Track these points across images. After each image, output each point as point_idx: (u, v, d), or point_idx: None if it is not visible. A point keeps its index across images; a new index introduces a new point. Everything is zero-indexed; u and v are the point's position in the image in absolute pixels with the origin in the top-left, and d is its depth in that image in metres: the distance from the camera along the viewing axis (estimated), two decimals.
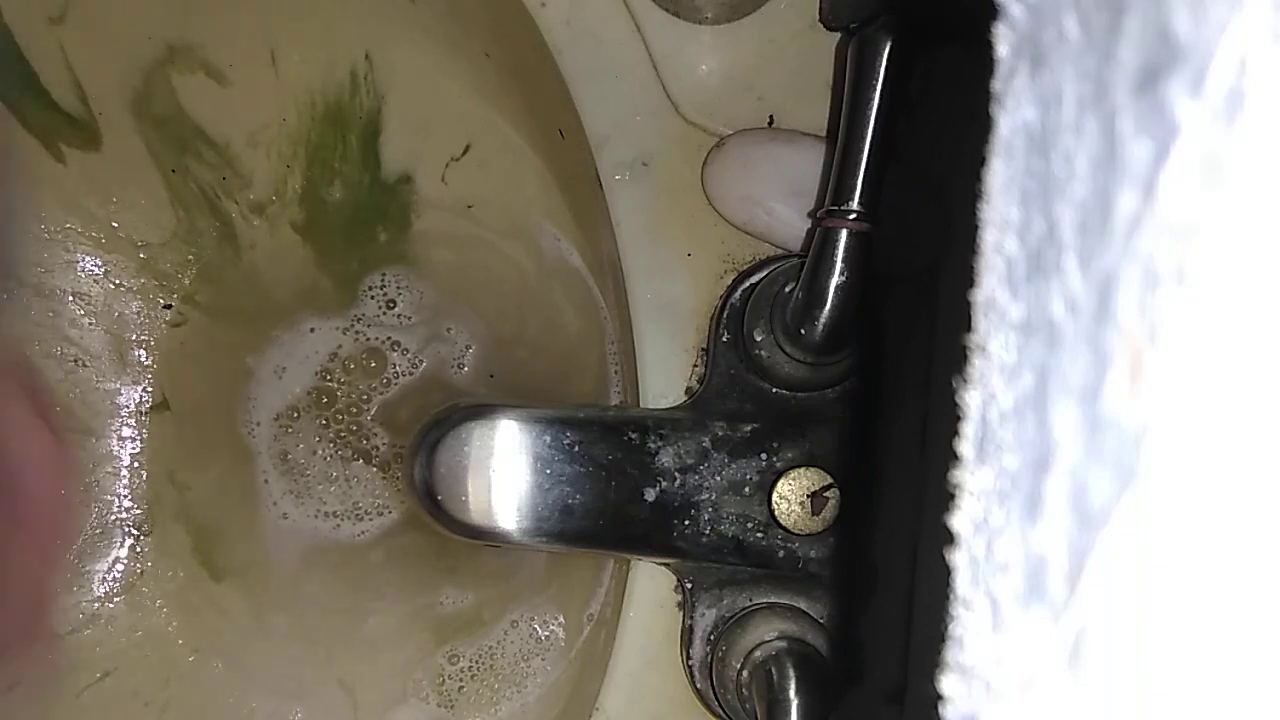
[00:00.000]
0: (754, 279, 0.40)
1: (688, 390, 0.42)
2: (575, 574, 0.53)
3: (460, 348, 0.55)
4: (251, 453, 0.55)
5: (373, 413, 0.55)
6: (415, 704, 0.53)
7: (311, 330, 0.55)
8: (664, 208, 0.42)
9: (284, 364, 0.55)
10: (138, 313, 0.54)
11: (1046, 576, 0.12)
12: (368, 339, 0.55)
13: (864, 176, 0.34)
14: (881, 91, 0.34)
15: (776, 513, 0.38)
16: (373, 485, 0.55)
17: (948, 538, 0.15)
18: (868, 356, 0.39)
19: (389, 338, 0.55)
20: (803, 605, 0.40)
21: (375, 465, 0.55)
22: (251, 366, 0.55)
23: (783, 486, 0.38)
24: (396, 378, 0.55)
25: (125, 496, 0.55)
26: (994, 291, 0.14)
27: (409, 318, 0.55)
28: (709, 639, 0.41)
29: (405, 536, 0.55)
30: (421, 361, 0.55)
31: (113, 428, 0.54)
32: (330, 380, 0.55)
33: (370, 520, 0.55)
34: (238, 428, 0.55)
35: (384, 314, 0.55)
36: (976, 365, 0.15)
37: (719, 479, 0.39)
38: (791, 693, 0.36)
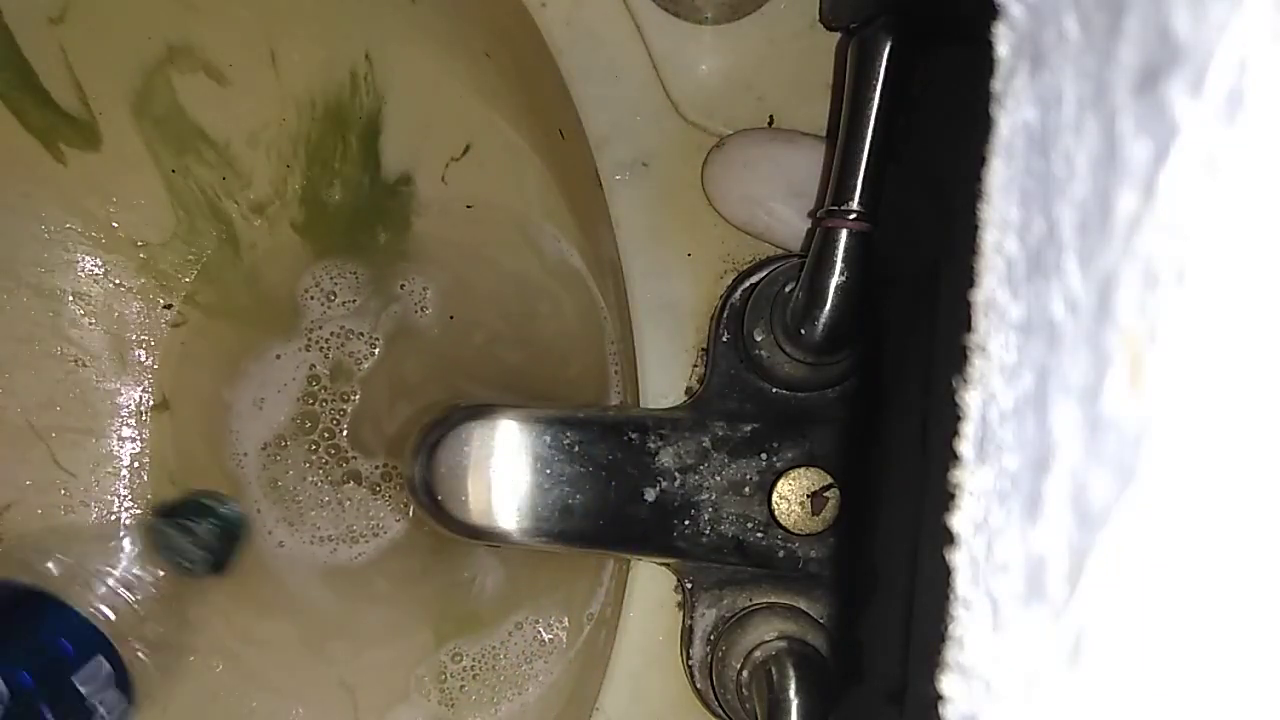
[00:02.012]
0: (754, 279, 0.40)
1: (688, 390, 0.42)
2: (576, 574, 0.53)
3: None
4: (241, 484, 0.55)
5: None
6: (417, 700, 0.53)
7: (277, 357, 0.55)
8: (664, 208, 0.42)
9: (261, 395, 0.55)
10: (138, 313, 0.54)
11: (1046, 576, 0.12)
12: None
13: (864, 176, 0.34)
14: (881, 91, 0.34)
15: (776, 513, 0.38)
16: (365, 506, 0.55)
17: (948, 538, 0.15)
18: (868, 356, 0.39)
19: None
20: (803, 605, 0.40)
21: (365, 487, 0.55)
22: (228, 400, 0.55)
23: (783, 486, 0.38)
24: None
25: (125, 496, 0.55)
26: (994, 291, 0.14)
27: None
28: (709, 639, 0.41)
29: (402, 552, 0.55)
30: None
31: (113, 428, 0.54)
32: (314, 404, 0.55)
33: (366, 542, 0.55)
34: (225, 461, 0.55)
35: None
36: (976, 365, 0.15)
37: (719, 479, 0.39)
38: (791, 693, 0.36)
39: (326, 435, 0.55)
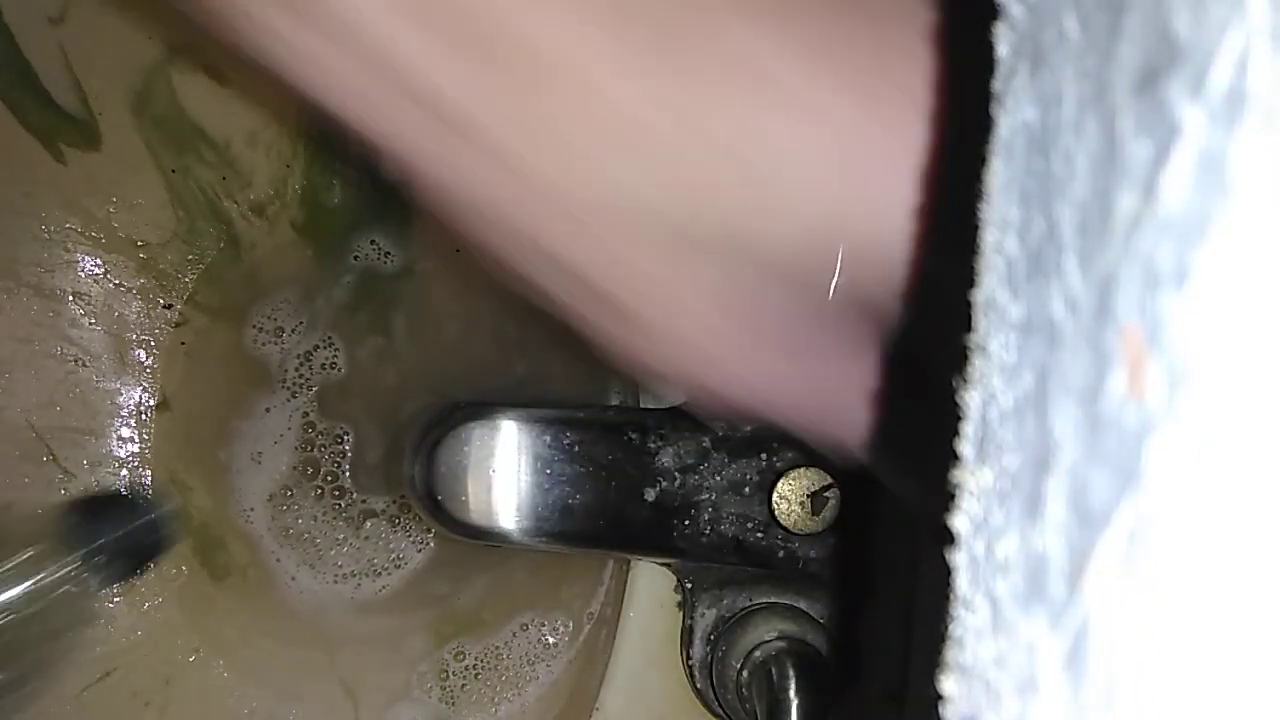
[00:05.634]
0: None
1: None
2: (576, 574, 0.53)
3: None
4: (254, 537, 0.55)
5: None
6: (418, 697, 0.53)
7: (267, 410, 0.55)
8: None
9: (258, 449, 0.55)
10: (138, 313, 0.54)
11: (1046, 576, 0.12)
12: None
13: None
14: None
15: (776, 513, 0.38)
16: (386, 539, 0.55)
17: (948, 538, 0.15)
18: None
19: None
20: (803, 605, 0.40)
21: (384, 519, 0.55)
22: (224, 460, 0.55)
23: (783, 486, 0.38)
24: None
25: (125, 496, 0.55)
26: (994, 291, 0.14)
27: None
28: (709, 639, 0.41)
29: (428, 576, 0.55)
30: None
31: (113, 428, 0.54)
32: (313, 450, 0.55)
33: (390, 574, 0.55)
34: (232, 518, 0.55)
35: None
36: (976, 365, 0.15)
37: (719, 479, 0.39)
38: (791, 693, 0.36)
39: (330, 479, 0.55)
